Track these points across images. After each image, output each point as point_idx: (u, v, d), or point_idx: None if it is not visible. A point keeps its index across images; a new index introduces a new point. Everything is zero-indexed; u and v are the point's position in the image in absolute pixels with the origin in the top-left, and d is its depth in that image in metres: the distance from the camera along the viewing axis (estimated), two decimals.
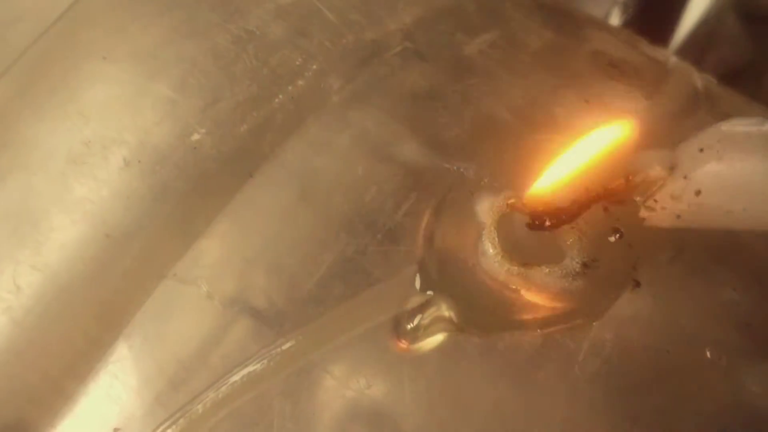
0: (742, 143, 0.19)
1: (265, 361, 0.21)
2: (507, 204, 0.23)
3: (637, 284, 0.22)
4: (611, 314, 0.22)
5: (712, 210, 0.20)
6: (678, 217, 0.21)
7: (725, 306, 0.22)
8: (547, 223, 0.22)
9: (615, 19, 0.59)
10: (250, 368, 0.21)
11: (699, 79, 0.30)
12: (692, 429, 0.21)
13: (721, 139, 0.19)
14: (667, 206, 0.21)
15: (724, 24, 0.57)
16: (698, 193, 0.20)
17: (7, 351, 0.21)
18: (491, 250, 0.22)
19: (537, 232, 0.23)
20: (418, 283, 0.22)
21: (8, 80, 0.22)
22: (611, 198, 0.22)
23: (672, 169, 0.20)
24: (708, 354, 0.21)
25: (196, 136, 0.22)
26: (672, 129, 0.27)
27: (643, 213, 0.21)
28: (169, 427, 0.20)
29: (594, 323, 0.22)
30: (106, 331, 0.21)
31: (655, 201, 0.21)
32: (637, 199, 0.21)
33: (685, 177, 0.20)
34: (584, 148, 0.25)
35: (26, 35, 0.23)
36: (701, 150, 0.20)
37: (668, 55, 0.32)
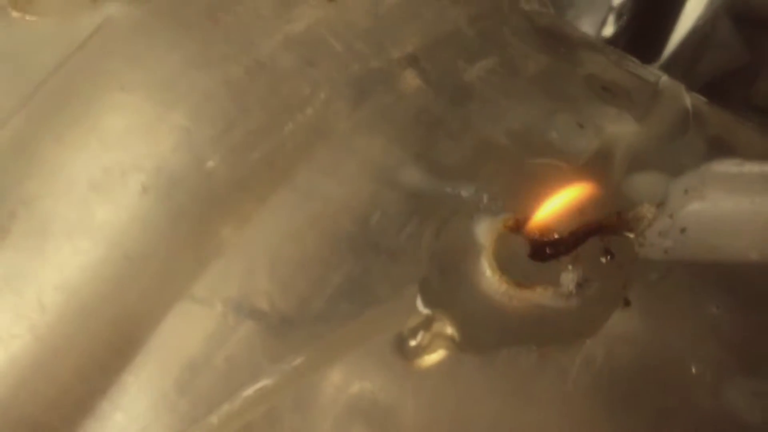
0: (723, 183, 0.21)
1: (277, 376, 0.22)
2: (505, 226, 0.24)
3: (627, 303, 0.23)
4: (603, 332, 0.23)
5: (697, 246, 0.21)
6: (666, 252, 0.22)
7: (710, 324, 0.24)
8: (548, 252, 0.23)
9: (609, 26, 0.60)
10: (262, 383, 0.22)
11: (688, 99, 0.31)
12: None
13: (703, 180, 0.21)
14: (655, 242, 0.22)
15: (717, 28, 0.58)
16: (683, 230, 0.21)
17: (31, 366, 0.22)
18: (489, 271, 0.24)
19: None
20: (419, 302, 0.23)
21: (30, 110, 0.23)
22: (605, 231, 0.24)
23: (660, 204, 0.22)
24: (693, 370, 0.23)
25: (210, 163, 0.23)
26: (662, 151, 0.28)
27: (636, 248, 0.23)
28: None
29: (587, 340, 0.23)
30: (125, 346, 0.22)
31: (644, 238, 0.22)
32: (631, 236, 0.23)
33: (670, 216, 0.21)
34: (579, 175, 0.26)
35: (45, 66, 0.24)
36: (686, 191, 0.21)
37: (659, 75, 0.33)
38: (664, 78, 0.33)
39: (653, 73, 0.34)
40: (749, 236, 0.21)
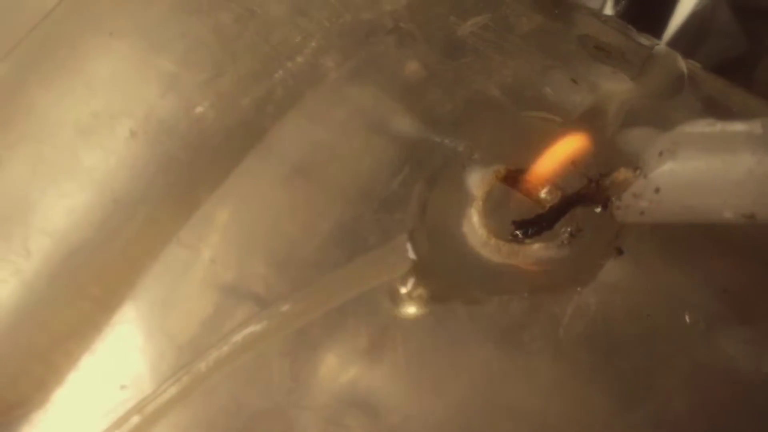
0: (696, 142, 0.21)
1: (265, 322, 0.22)
2: (497, 177, 0.24)
3: (620, 252, 0.23)
4: (595, 280, 0.23)
5: (671, 205, 0.21)
6: (641, 213, 0.22)
7: (703, 273, 0.23)
8: (530, 233, 0.23)
9: (608, 10, 0.60)
10: (251, 328, 0.22)
11: (684, 64, 0.31)
12: (671, 388, 0.22)
13: (677, 140, 0.21)
14: (630, 204, 0.22)
15: (716, 16, 0.57)
16: (657, 190, 0.21)
17: (17, 312, 0.22)
18: (480, 222, 0.23)
19: (526, 204, 0.24)
20: (410, 250, 0.23)
21: (18, 55, 0.23)
22: (586, 202, 0.23)
23: (637, 169, 0.22)
24: (687, 318, 0.23)
25: (199, 109, 0.23)
26: (657, 108, 0.28)
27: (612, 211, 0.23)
28: (173, 384, 0.21)
29: (579, 289, 0.23)
30: (113, 293, 0.22)
31: (619, 200, 0.22)
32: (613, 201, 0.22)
33: (644, 176, 0.21)
34: (572, 129, 0.26)
35: (35, 11, 0.24)
36: (660, 153, 0.21)
37: (655, 42, 0.33)
38: (660, 44, 0.33)
39: (649, 39, 0.33)
40: (722, 194, 0.21)
